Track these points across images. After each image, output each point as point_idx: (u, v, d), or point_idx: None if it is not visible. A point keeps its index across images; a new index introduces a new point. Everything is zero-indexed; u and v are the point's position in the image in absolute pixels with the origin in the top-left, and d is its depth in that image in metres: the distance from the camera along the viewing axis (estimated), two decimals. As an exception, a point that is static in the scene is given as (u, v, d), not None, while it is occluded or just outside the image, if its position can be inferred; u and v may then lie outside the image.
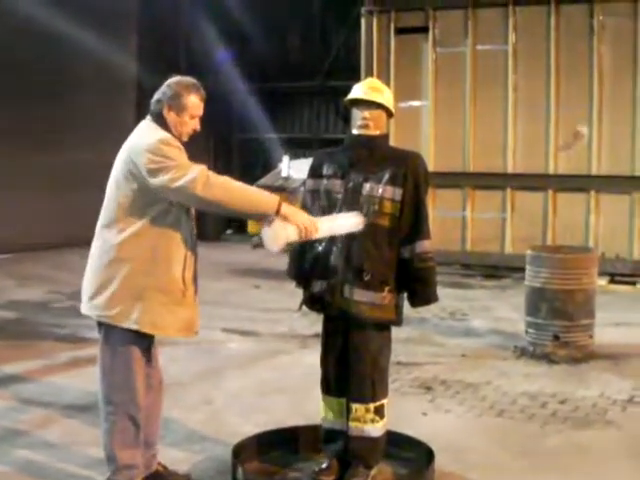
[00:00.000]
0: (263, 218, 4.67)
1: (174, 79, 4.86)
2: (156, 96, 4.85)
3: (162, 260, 4.69)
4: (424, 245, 5.09)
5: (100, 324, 4.86)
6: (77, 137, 16.50)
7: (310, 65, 20.98)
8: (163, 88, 4.83)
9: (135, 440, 4.88)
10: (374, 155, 5.12)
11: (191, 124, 4.83)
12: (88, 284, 4.84)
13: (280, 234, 4.66)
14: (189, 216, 4.85)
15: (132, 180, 4.66)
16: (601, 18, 13.47)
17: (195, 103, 4.81)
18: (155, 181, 4.54)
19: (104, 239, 4.75)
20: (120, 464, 4.84)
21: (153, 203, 4.66)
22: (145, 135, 4.72)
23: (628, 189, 13.47)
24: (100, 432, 4.98)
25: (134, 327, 4.69)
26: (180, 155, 4.64)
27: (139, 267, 4.67)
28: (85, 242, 4.89)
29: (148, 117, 4.87)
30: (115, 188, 4.75)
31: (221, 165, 21.99)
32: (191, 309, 4.88)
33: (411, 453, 5.56)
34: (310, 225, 4.70)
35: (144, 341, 4.85)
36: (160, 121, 4.79)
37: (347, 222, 4.93)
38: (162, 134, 4.71)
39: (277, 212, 4.59)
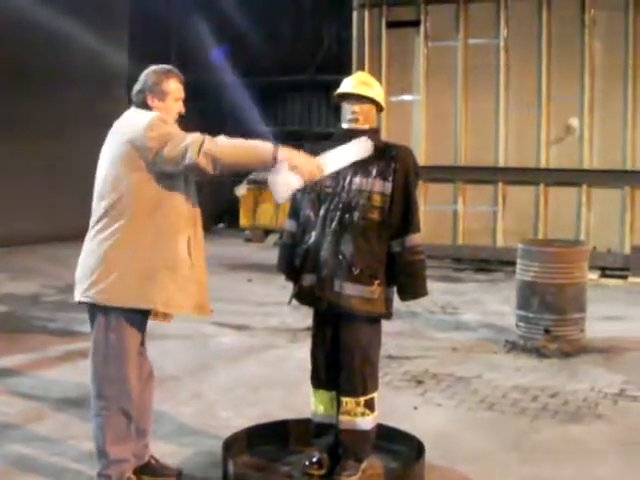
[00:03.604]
0: (264, 167, 4.69)
1: (150, 69, 4.94)
2: (136, 87, 4.91)
3: (167, 237, 4.68)
4: (414, 239, 5.09)
5: (94, 314, 4.80)
6: (69, 130, 16.49)
7: (301, 59, 20.99)
8: (142, 79, 4.90)
9: (127, 434, 4.88)
10: (363, 149, 5.13)
11: (176, 107, 4.91)
12: (87, 270, 4.72)
13: (286, 183, 4.66)
14: (191, 195, 4.84)
15: (132, 162, 4.65)
16: (593, 12, 13.51)
17: (175, 87, 4.90)
18: (157, 158, 4.57)
19: (104, 224, 4.69)
20: (111, 459, 4.83)
21: (156, 182, 4.66)
22: (140, 118, 4.73)
23: (619, 183, 13.52)
24: (91, 426, 4.98)
25: (149, 306, 4.67)
26: (175, 129, 4.72)
27: (145, 247, 4.65)
28: (80, 236, 4.86)
29: (133, 108, 4.90)
30: (109, 174, 4.72)
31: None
32: (200, 286, 4.86)
33: (401, 446, 5.55)
34: (314, 167, 4.73)
35: (139, 329, 4.84)
36: (146, 110, 4.83)
37: (353, 149, 4.94)
38: (156, 112, 4.77)
39: (275, 158, 4.61)
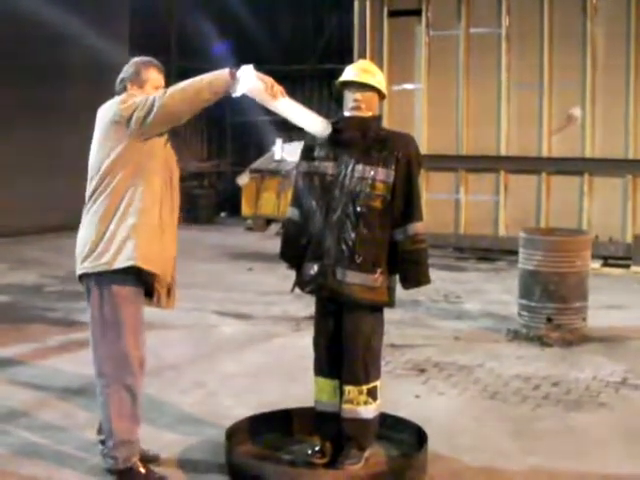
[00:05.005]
0: (228, 85, 4.80)
1: (132, 60, 5.21)
2: (119, 78, 5.15)
3: (141, 200, 4.81)
4: (416, 227, 5.09)
5: (89, 289, 4.89)
6: (69, 122, 16.43)
7: (303, 48, 20.96)
8: (124, 69, 5.17)
9: (132, 411, 4.89)
10: (366, 137, 5.12)
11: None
12: (81, 246, 4.90)
13: (249, 77, 4.78)
14: (169, 163, 5.02)
15: (115, 140, 4.84)
16: (595, 0, 13.46)
17: (154, 76, 5.13)
18: (133, 122, 4.77)
19: (93, 202, 4.88)
20: (118, 439, 4.86)
21: (135, 154, 4.83)
22: (114, 100, 4.98)
23: (621, 172, 13.50)
24: (94, 415, 4.99)
25: (129, 263, 4.73)
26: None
27: (124, 213, 4.80)
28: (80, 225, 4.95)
29: (115, 97, 5.06)
30: (97, 157, 4.92)
31: (215, 148, 22.04)
32: (169, 253, 4.97)
33: (404, 435, 5.56)
34: (276, 84, 4.97)
35: (133, 300, 4.89)
36: None
37: (312, 118, 5.16)
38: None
39: (232, 73, 4.77)
